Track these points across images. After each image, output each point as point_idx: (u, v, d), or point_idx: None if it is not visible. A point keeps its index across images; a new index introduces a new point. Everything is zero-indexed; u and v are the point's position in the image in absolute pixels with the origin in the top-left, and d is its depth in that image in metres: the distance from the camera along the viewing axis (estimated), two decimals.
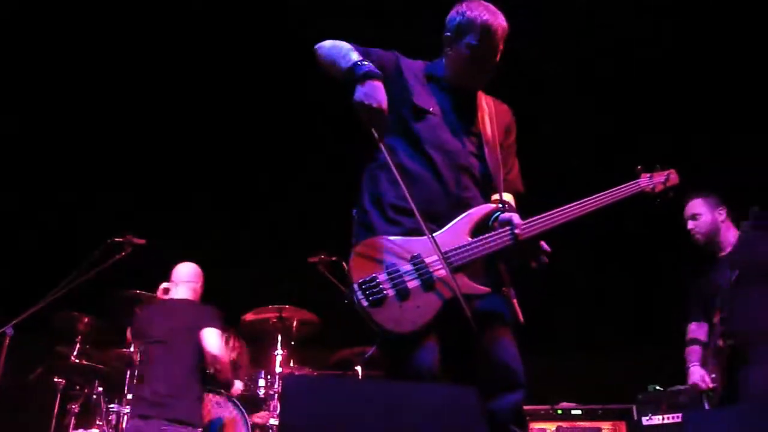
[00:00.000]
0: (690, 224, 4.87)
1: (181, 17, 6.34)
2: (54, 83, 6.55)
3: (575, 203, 3.00)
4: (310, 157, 7.26)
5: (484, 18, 3.08)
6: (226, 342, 6.08)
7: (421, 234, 2.83)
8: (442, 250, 2.82)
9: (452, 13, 3.19)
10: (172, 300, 5.56)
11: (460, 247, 2.86)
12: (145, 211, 7.08)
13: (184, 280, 5.66)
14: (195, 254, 5.90)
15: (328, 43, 3.11)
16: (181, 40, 6.46)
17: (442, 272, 2.80)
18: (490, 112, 3.27)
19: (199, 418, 5.18)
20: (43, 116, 6.74)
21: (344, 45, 3.06)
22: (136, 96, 6.74)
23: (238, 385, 5.92)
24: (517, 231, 2.89)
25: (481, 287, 2.86)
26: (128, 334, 5.83)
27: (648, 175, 3.20)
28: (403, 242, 2.87)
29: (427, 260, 2.81)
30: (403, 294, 2.75)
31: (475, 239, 2.90)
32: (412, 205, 2.78)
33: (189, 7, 6.29)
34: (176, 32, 6.42)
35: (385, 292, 2.74)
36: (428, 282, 2.79)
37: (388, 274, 2.78)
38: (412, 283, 2.78)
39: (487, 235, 2.92)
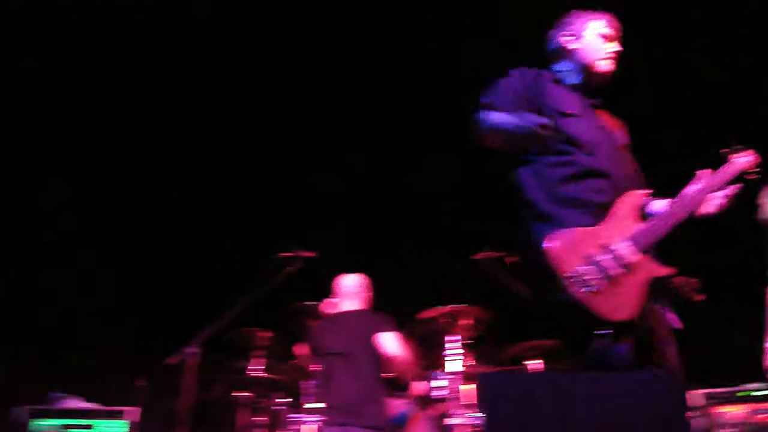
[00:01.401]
0: None
1: None
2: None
3: (684, 193, 3.05)
4: (466, 155, 7.22)
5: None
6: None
7: (598, 223, 2.93)
8: (628, 236, 2.89)
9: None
10: (344, 313, 5.67)
11: (641, 231, 2.86)
12: (304, 224, 7.23)
13: (351, 292, 5.76)
14: (360, 261, 5.98)
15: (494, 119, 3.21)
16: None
17: (635, 257, 2.85)
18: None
19: (388, 422, 5.28)
20: (214, 146, 6.97)
21: (506, 117, 3.17)
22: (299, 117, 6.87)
23: (418, 386, 5.96)
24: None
25: (667, 268, 2.90)
26: (299, 346, 5.95)
27: (737, 155, 3.19)
28: (592, 232, 2.91)
29: (619, 247, 2.82)
30: (611, 282, 2.78)
31: (649, 221, 2.96)
32: (595, 197, 2.85)
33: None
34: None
35: (594, 282, 2.77)
36: (627, 268, 2.82)
37: (592, 264, 2.82)
38: (615, 271, 2.81)
39: (656, 217, 2.98)
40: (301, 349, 5.90)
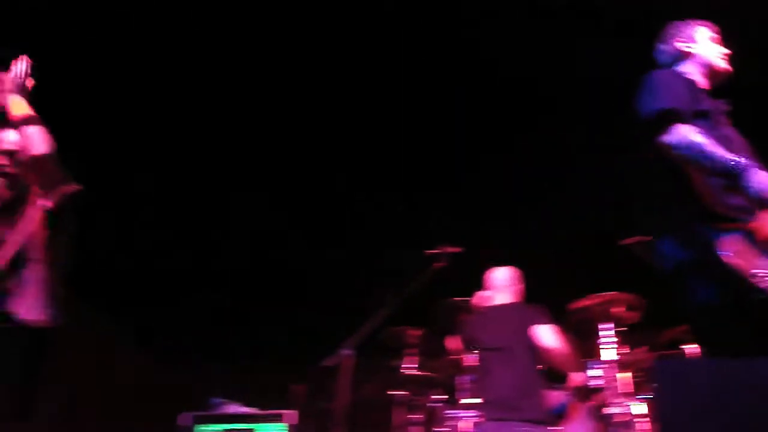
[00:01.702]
0: None
1: None
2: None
3: None
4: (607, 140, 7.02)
5: None
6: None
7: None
8: None
9: None
10: (497, 306, 5.62)
11: None
12: (448, 220, 7.19)
13: (503, 285, 5.70)
14: (507, 254, 5.92)
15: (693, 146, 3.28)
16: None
17: None
18: None
19: (547, 414, 5.22)
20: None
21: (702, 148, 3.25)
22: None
23: (575, 377, 5.86)
24: None
25: None
26: (452, 342, 5.93)
27: None
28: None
29: None
30: None
31: None
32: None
33: None
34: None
35: None
36: None
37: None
38: None
39: None
40: (455, 344, 5.88)
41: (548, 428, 5.14)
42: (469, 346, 5.68)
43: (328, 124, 6.94)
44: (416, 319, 6.18)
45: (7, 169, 3.98)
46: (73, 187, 3.84)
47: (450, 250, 5.48)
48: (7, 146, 3.99)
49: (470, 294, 6.13)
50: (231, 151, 7.10)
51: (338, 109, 6.94)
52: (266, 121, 7.01)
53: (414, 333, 6.32)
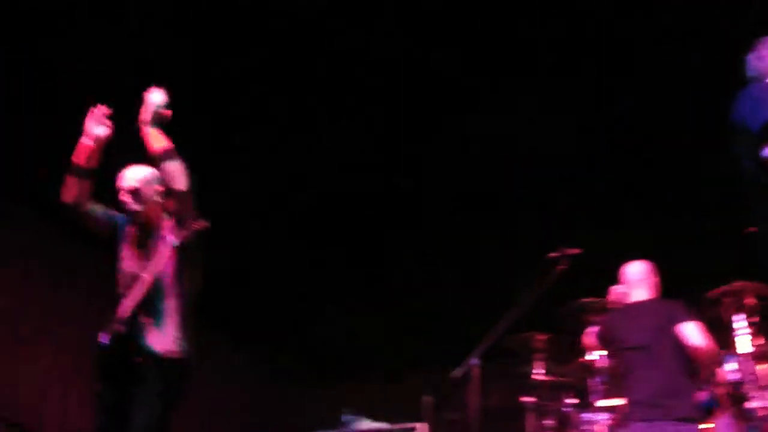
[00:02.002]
0: None
1: None
2: None
3: None
4: None
5: None
6: None
7: None
8: None
9: None
10: (636, 303, 5.47)
11: None
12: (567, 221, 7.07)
13: (639, 279, 5.55)
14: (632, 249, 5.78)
15: None
16: None
17: None
18: None
19: (698, 412, 5.06)
20: None
21: None
22: None
23: (721, 373, 5.66)
24: None
25: None
26: (584, 343, 5.83)
27: None
28: None
29: None
30: None
31: None
32: None
33: None
34: None
35: None
36: None
37: None
38: None
39: None
40: (586, 345, 5.75)
41: (698, 426, 4.97)
42: (607, 346, 5.53)
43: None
44: (542, 323, 6.10)
45: (131, 207, 4.10)
46: (203, 224, 3.92)
47: (570, 251, 5.37)
48: (130, 184, 4.12)
49: (594, 295, 6.03)
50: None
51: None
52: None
53: (541, 337, 6.25)
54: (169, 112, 4.00)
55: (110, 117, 4.16)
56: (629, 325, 5.27)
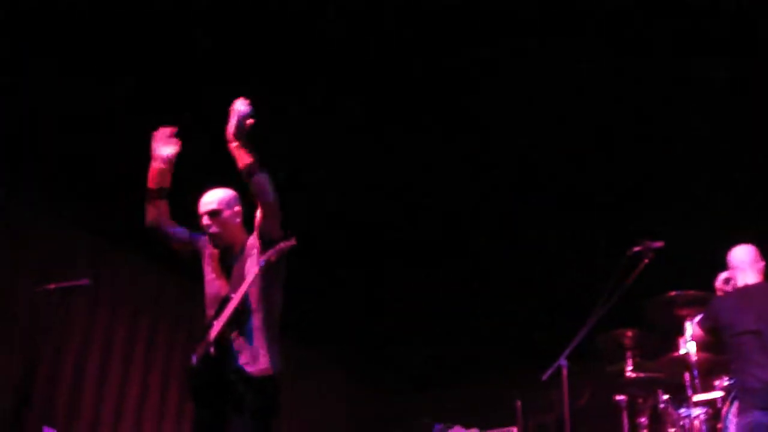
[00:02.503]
0: None
1: None
2: None
3: None
4: None
5: None
6: None
7: None
8: None
9: None
10: (746, 287, 5.30)
11: None
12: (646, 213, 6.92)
13: (747, 263, 5.39)
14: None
15: None
16: None
17: None
18: None
19: None
20: None
21: None
22: None
23: None
24: None
25: None
26: (690, 333, 5.69)
27: None
28: None
29: None
30: None
31: None
32: None
33: None
34: None
35: None
36: None
37: None
38: None
39: None
40: (695, 333, 5.59)
41: None
42: (714, 334, 5.37)
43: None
44: (630, 319, 5.99)
45: (212, 229, 4.15)
46: (291, 243, 3.94)
47: (654, 245, 5.26)
48: (210, 207, 4.17)
49: (679, 287, 5.91)
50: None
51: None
52: None
53: (630, 334, 6.15)
54: (252, 121, 3.94)
55: (177, 134, 4.23)
56: (740, 310, 5.12)
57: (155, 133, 4.20)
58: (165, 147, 4.18)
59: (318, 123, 6.25)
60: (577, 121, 6.34)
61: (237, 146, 3.93)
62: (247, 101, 3.96)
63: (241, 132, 3.92)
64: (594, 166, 6.74)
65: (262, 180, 3.93)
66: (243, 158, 3.93)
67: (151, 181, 4.18)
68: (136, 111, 5.75)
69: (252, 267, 3.97)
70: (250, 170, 3.92)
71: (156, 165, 4.17)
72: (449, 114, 6.30)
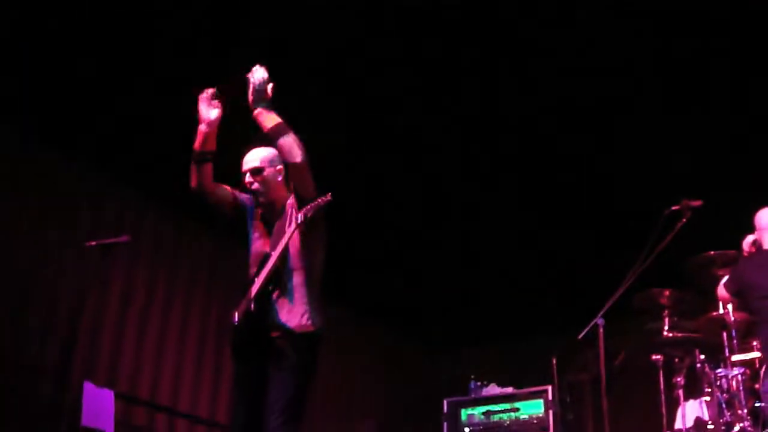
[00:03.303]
0: None
1: None
2: None
3: None
4: None
5: None
6: None
7: None
8: None
9: None
10: None
11: None
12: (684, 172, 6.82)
13: None
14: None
15: None
16: None
17: None
18: None
19: None
20: None
21: None
22: None
23: None
24: None
25: None
26: (718, 294, 5.67)
27: None
28: None
29: None
30: None
31: None
32: None
33: None
34: None
35: None
36: None
37: None
38: None
39: None
40: (723, 295, 5.58)
41: None
42: (740, 296, 5.36)
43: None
44: (667, 279, 5.96)
45: (255, 187, 4.18)
46: (327, 198, 3.96)
47: (692, 203, 5.23)
48: (252, 165, 4.20)
49: (718, 247, 5.88)
50: None
51: None
52: None
53: (666, 293, 6.13)
54: (271, 89, 4.01)
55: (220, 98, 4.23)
56: (764, 272, 5.10)
57: (200, 95, 4.20)
58: (210, 110, 4.18)
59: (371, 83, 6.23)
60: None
61: (260, 112, 3.99)
62: (264, 67, 4.02)
63: (262, 97, 4.00)
64: (635, 122, 6.65)
65: (289, 141, 3.96)
66: (267, 122, 3.98)
67: (197, 144, 4.19)
68: (181, 73, 5.75)
69: (291, 224, 4.00)
70: (275, 133, 3.97)
71: (202, 128, 4.18)
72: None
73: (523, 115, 6.57)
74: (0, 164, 6.36)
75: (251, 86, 4.00)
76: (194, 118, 4.19)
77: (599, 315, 5.29)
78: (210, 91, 4.18)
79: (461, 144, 6.92)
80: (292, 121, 4.02)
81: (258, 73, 4.01)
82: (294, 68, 5.54)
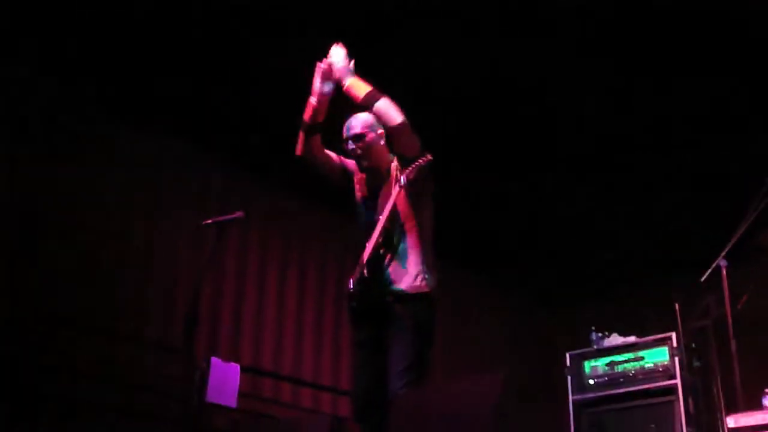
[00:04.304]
0: None
1: None
2: None
3: None
4: None
5: None
6: None
7: None
8: None
9: None
10: None
11: None
12: None
13: None
14: None
15: None
16: None
17: None
18: None
19: None
20: None
21: None
22: None
23: None
24: None
25: None
26: None
27: None
28: None
29: None
30: None
31: None
32: None
33: None
34: None
35: None
36: None
37: None
38: None
39: None
40: None
41: None
42: None
43: None
44: None
45: (358, 152, 4.18)
46: (428, 158, 3.93)
47: None
48: (354, 131, 4.19)
49: None
50: None
51: None
52: None
53: None
54: (352, 60, 4.11)
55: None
56: None
57: (318, 65, 4.20)
58: (324, 83, 4.18)
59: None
60: None
61: (350, 85, 4.05)
62: (341, 44, 4.14)
63: (346, 72, 4.07)
64: None
65: (384, 105, 3.97)
66: (360, 92, 4.03)
67: (306, 114, 4.20)
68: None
69: (396, 187, 3.98)
70: (368, 100, 4.00)
71: (312, 101, 4.18)
72: None
73: None
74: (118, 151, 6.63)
75: (334, 66, 4.10)
76: (304, 91, 4.23)
77: (721, 256, 5.10)
78: (327, 62, 4.17)
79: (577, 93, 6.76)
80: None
81: (337, 52, 4.12)
82: None
